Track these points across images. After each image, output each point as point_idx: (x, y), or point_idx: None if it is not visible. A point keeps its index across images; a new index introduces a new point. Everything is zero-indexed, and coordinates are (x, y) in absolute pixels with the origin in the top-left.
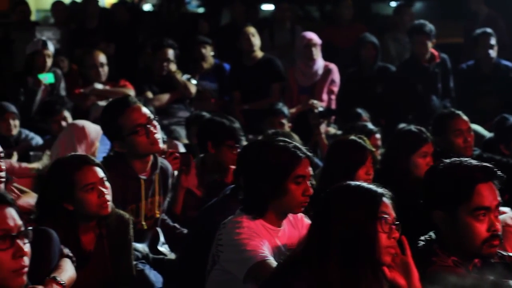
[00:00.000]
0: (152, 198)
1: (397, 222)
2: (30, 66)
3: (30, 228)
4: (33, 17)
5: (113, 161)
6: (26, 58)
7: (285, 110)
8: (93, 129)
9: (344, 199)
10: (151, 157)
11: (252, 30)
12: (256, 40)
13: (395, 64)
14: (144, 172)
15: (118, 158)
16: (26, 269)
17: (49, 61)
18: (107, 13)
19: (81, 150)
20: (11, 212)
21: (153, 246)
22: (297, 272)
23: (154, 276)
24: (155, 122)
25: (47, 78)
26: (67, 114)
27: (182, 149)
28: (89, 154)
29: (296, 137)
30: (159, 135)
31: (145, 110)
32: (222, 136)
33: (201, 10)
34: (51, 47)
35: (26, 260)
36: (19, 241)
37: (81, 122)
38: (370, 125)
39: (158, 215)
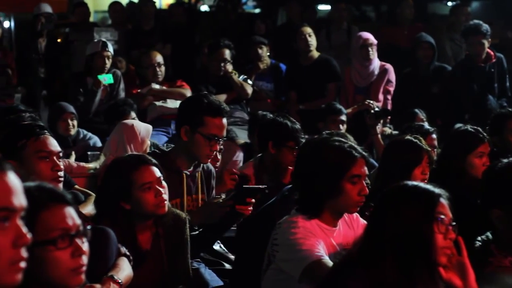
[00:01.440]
0: (195, 195)
1: (453, 223)
2: (90, 67)
3: (89, 227)
4: (92, 18)
5: (157, 154)
6: (86, 59)
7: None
8: (143, 128)
9: (400, 199)
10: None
11: (308, 30)
12: (313, 40)
13: (451, 64)
14: (188, 169)
15: (163, 152)
16: (84, 268)
17: (108, 63)
18: (164, 14)
19: (131, 149)
20: (70, 211)
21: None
22: (352, 272)
23: (209, 275)
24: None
25: (106, 79)
26: (134, 114)
27: (239, 154)
28: (140, 152)
29: (351, 137)
30: (216, 152)
31: (224, 128)
32: (284, 137)
33: (257, 10)
34: (110, 48)
35: (85, 259)
36: (77, 240)
37: (130, 121)
38: (427, 125)
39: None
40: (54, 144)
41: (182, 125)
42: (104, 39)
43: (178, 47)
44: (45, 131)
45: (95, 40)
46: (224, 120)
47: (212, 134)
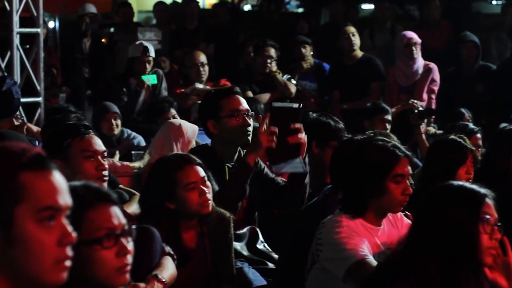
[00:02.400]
0: None
1: (499, 223)
2: (131, 69)
3: (134, 226)
4: (136, 18)
5: (200, 148)
6: (127, 61)
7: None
8: (190, 128)
9: (446, 199)
10: (239, 148)
11: (352, 29)
12: (356, 40)
13: (496, 63)
14: (230, 161)
15: (205, 146)
16: (129, 268)
17: (149, 66)
18: (207, 14)
19: (177, 149)
20: (116, 210)
21: (252, 245)
22: (397, 272)
23: (253, 274)
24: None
25: (150, 79)
26: (174, 111)
27: None
28: (186, 152)
29: (394, 137)
30: (251, 128)
31: (243, 102)
32: (327, 136)
33: (300, 10)
34: (152, 52)
35: (130, 259)
36: (123, 240)
37: (177, 121)
38: (471, 125)
39: (245, 205)
40: (98, 144)
41: (206, 122)
42: (145, 43)
43: (222, 47)
44: (90, 130)
45: (137, 43)
46: (239, 97)
47: (233, 109)
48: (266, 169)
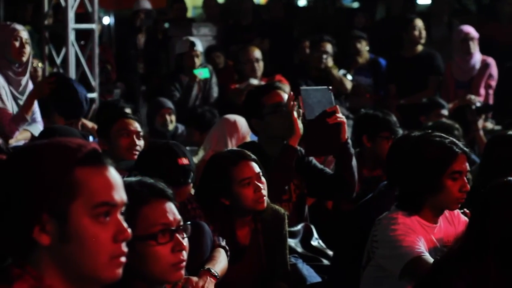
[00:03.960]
0: None
1: None
2: (181, 65)
3: (189, 222)
4: (190, 14)
5: (247, 144)
6: (176, 58)
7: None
8: (244, 124)
9: (504, 196)
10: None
11: (420, 23)
12: (421, 33)
13: None
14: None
15: (252, 142)
16: (184, 264)
17: (198, 61)
18: (262, 9)
19: (232, 144)
20: (171, 206)
21: (306, 242)
22: (454, 270)
23: (307, 271)
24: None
25: (202, 73)
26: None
27: None
28: None
29: (459, 128)
30: (300, 124)
31: (286, 96)
32: (377, 128)
33: (355, 4)
34: (199, 47)
35: (185, 255)
36: (178, 236)
37: (233, 117)
38: None
39: (295, 200)
40: (135, 126)
41: (250, 121)
42: (191, 38)
43: (277, 42)
44: (129, 114)
45: (183, 39)
46: (281, 92)
47: (275, 104)
48: (314, 161)
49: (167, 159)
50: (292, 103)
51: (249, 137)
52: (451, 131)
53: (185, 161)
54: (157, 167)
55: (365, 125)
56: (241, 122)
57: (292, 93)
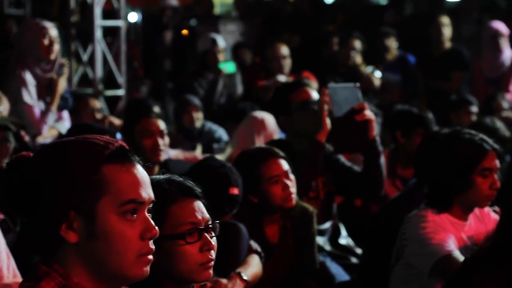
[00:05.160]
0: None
1: None
2: (204, 63)
3: (217, 222)
4: (217, 11)
5: (275, 142)
6: (199, 55)
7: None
8: (272, 122)
9: None
10: None
11: (445, 20)
12: (447, 30)
13: None
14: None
15: (281, 140)
16: (212, 263)
17: (221, 57)
18: (290, 5)
19: (259, 142)
20: (199, 205)
21: (334, 240)
22: (484, 269)
23: (336, 269)
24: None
25: (227, 67)
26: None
27: None
28: None
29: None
30: (328, 120)
31: (314, 93)
32: (411, 124)
33: (384, 1)
34: (221, 43)
35: (213, 254)
36: (206, 235)
37: (260, 114)
38: None
39: (323, 198)
40: (156, 125)
41: (278, 118)
42: (212, 35)
43: (305, 39)
44: (152, 113)
45: (205, 36)
46: (308, 88)
47: (303, 101)
48: (342, 159)
49: (218, 186)
50: (324, 97)
51: (277, 135)
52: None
53: (235, 191)
54: (207, 190)
55: (399, 121)
56: (269, 120)
57: (325, 88)
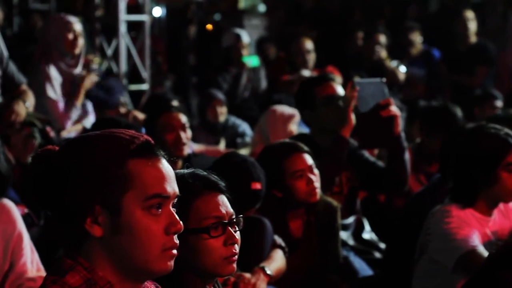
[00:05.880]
0: None
1: None
2: (228, 58)
3: (241, 216)
4: (241, 5)
5: (298, 136)
6: (223, 51)
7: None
8: (288, 115)
9: None
10: None
11: (470, 14)
12: (472, 25)
13: None
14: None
15: (304, 134)
16: (236, 257)
17: (245, 52)
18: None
19: (274, 137)
20: (223, 199)
21: (358, 235)
22: (509, 265)
23: (359, 264)
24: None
25: (251, 61)
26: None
27: None
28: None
29: None
30: (353, 116)
31: (339, 88)
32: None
33: None
34: (245, 39)
35: (237, 248)
36: (230, 229)
37: (279, 108)
38: None
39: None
40: (178, 119)
41: (303, 113)
42: (237, 30)
43: (329, 33)
44: (173, 107)
45: (229, 32)
46: (334, 84)
47: (328, 96)
48: (367, 154)
49: (241, 181)
50: (353, 93)
51: (297, 128)
52: None
53: (258, 185)
54: (229, 185)
55: (428, 118)
56: (285, 113)
57: (352, 83)
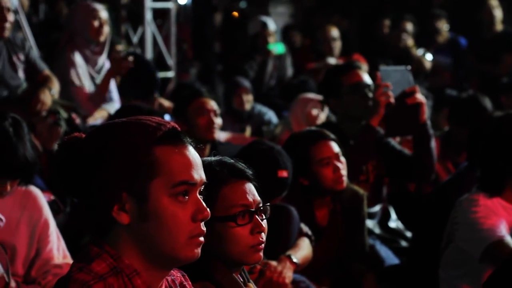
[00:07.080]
0: None
1: None
2: (254, 46)
3: (268, 204)
4: None
5: (324, 124)
6: (249, 38)
7: None
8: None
9: None
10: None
11: (494, 2)
12: (498, 13)
13: None
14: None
15: (330, 122)
16: (263, 245)
17: (271, 40)
18: None
19: (308, 124)
20: (251, 187)
21: (384, 224)
22: None
23: (385, 253)
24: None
25: (276, 48)
26: None
27: None
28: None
29: None
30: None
31: (365, 76)
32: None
33: None
34: (271, 27)
35: (264, 236)
36: (257, 217)
37: (309, 95)
38: None
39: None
40: (210, 104)
41: (329, 100)
42: (263, 18)
43: (356, 21)
44: (203, 93)
45: (255, 20)
46: (360, 71)
47: (354, 83)
48: (393, 142)
49: (267, 168)
50: (380, 82)
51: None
52: None
53: (284, 173)
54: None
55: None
56: (309, 97)
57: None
